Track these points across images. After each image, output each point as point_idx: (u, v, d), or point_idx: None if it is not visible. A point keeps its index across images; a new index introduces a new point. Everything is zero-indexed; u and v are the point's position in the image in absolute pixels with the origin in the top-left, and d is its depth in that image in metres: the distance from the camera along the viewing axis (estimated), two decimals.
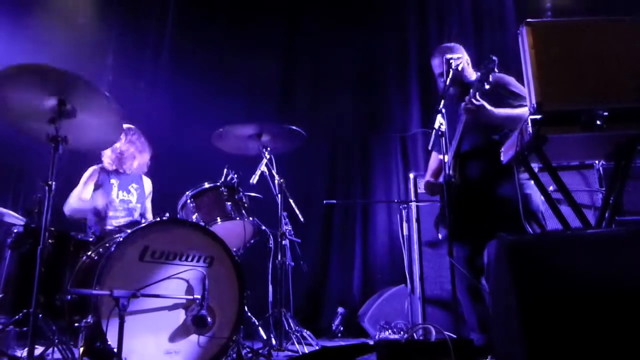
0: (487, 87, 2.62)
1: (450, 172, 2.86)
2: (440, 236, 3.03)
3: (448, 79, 2.80)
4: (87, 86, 2.61)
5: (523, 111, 2.63)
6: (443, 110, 2.73)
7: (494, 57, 2.58)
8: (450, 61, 2.86)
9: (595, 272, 1.50)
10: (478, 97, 2.69)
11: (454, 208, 2.76)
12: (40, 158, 2.99)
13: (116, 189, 3.73)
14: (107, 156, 3.79)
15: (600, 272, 1.50)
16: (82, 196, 3.64)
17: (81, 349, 2.31)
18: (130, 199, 3.76)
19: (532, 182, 2.36)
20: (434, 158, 3.32)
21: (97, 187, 3.70)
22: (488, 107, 2.71)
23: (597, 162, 3.61)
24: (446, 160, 2.73)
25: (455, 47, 3.12)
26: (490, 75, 2.60)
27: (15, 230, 2.92)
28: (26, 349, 2.44)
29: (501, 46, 4.83)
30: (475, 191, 2.86)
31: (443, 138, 2.70)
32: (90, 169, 3.78)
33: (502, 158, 2.28)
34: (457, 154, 2.91)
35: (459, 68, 2.90)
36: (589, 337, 1.43)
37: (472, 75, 3.03)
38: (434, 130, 2.71)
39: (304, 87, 5.81)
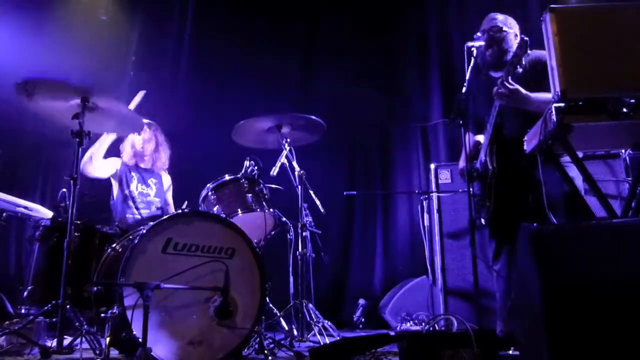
0: (520, 70, 2.51)
1: (487, 158, 2.79)
2: (483, 221, 2.88)
3: (468, 72, 2.71)
4: (108, 88, 2.74)
5: None
6: (463, 98, 2.67)
7: (526, 38, 2.47)
8: (472, 49, 2.79)
9: (621, 263, 1.47)
10: (511, 81, 2.55)
11: (494, 196, 2.70)
12: (65, 153, 3.07)
13: (135, 181, 3.80)
14: (127, 152, 3.86)
15: (626, 262, 1.47)
16: (97, 155, 3.70)
17: (108, 339, 2.35)
18: (149, 192, 3.84)
19: (574, 165, 2.26)
20: (469, 141, 3.18)
21: (119, 179, 3.78)
22: (523, 91, 2.56)
23: (623, 151, 3.52)
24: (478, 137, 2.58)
25: (499, 20, 2.90)
26: (524, 58, 2.49)
27: (42, 224, 2.99)
28: (55, 339, 2.52)
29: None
30: (518, 179, 2.70)
31: (462, 128, 2.65)
32: (114, 158, 3.85)
33: (525, 147, 2.23)
34: (493, 141, 2.77)
35: (507, 25, 2.79)
36: (612, 329, 1.40)
37: (513, 46, 2.82)
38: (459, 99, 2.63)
39: (323, 78, 5.78)
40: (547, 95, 2.45)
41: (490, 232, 2.90)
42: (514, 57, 2.54)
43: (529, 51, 2.48)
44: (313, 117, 3.54)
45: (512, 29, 2.91)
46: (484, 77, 2.94)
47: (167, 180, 4.03)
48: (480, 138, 2.97)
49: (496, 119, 2.74)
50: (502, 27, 2.85)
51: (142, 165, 3.90)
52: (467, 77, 2.72)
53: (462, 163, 3.15)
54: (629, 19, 1.92)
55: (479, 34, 2.89)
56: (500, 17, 2.93)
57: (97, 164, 3.70)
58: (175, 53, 5.72)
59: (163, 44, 5.68)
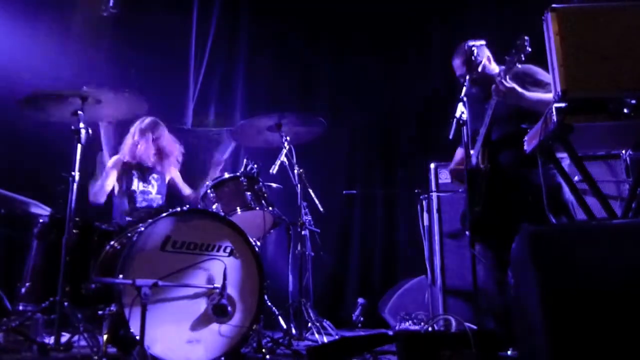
0: (518, 66, 2.55)
1: (478, 159, 2.82)
2: (467, 233, 2.94)
3: (470, 64, 2.74)
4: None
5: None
6: (465, 99, 2.69)
7: (526, 37, 2.49)
8: (473, 48, 2.81)
9: (621, 264, 1.46)
10: (508, 80, 2.64)
11: (483, 197, 2.72)
12: (64, 149, 3.05)
13: (136, 180, 3.76)
14: (126, 154, 3.82)
15: (626, 263, 1.46)
16: (105, 183, 3.69)
17: (105, 337, 2.35)
18: (150, 190, 3.79)
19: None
20: (460, 149, 3.26)
21: (119, 177, 3.76)
22: (519, 89, 2.65)
23: (624, 151, 3.51)
24: (471, 151, 2.69)
25: (474, 56, 2.98)
26: (523, 55, 2.51)
27: (41, 221, 2.98)
28: (53, 336, 2.51)
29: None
30: (506, 180, 2.80)
31: (464, 127, 2.66)
32: (114, 158, 3.82)
33: (525, 147, 2.23)
34: (486, 143, 2.85)
35: (478, 61, 2.84)
36: (612, 330, 1.40)
37: (495, 69, 2.93)
38: (455, 119, 2.67)
39: (324, 76, 5.77)
40: (541, 95, 2.64)
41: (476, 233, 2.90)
42: (514, 53, 2.54)
43: (528, 48, 2.48)
44: (313, 115, 3.53)
45: (483, 56, 2.95)
46: (473, 92, 2.96)
47: (173, 173, 3.98)
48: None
49: (490, 119, 2.79)
50: (477, 67, 2.87)
51: (143, 164, 3.87)
52: (467, 78, 2.75)
53: (453, 165, 3.22)
54: (630, 18, 1.91)
55: (460, 76, 2.95)
56: (474, 50, 2.91)
57: (106, 191, 3.70)
58: (174, 52, 5.70)
59: (163, 43, 5.67)
